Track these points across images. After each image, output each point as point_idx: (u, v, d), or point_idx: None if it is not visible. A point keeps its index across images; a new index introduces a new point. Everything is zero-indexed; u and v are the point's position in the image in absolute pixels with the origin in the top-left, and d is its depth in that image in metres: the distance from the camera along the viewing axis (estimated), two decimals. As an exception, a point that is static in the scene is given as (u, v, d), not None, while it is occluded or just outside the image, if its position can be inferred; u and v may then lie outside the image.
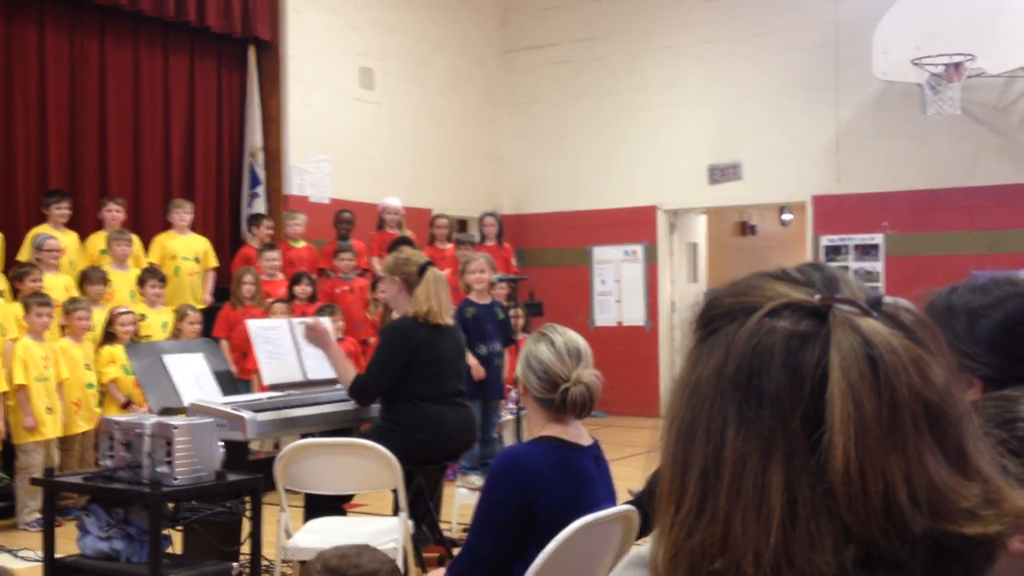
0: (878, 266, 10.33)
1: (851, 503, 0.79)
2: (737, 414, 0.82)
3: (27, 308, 6.56)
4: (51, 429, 6.56)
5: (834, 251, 10.55)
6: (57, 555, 3.98)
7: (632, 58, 11.50)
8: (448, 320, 4.81)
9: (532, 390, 2.74)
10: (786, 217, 13.67)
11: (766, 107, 10.75)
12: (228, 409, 4.51)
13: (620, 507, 2.86)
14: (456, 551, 2.94)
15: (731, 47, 10.95)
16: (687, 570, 0.83)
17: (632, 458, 8.15)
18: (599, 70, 11.67)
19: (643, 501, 3.19)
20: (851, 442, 0.79)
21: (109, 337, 7.01)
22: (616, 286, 11.60)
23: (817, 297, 0.85)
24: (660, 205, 11.42)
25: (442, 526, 5.21)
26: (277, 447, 7.21)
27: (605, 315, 11.62)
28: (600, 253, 11.68)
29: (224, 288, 8.35)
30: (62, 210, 7.57)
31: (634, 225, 11.45)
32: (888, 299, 0.88)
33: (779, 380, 0.82)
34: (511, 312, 7.57)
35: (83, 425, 6.81)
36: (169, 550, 4.00)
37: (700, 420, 0.84)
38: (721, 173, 11.08)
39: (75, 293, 7.16)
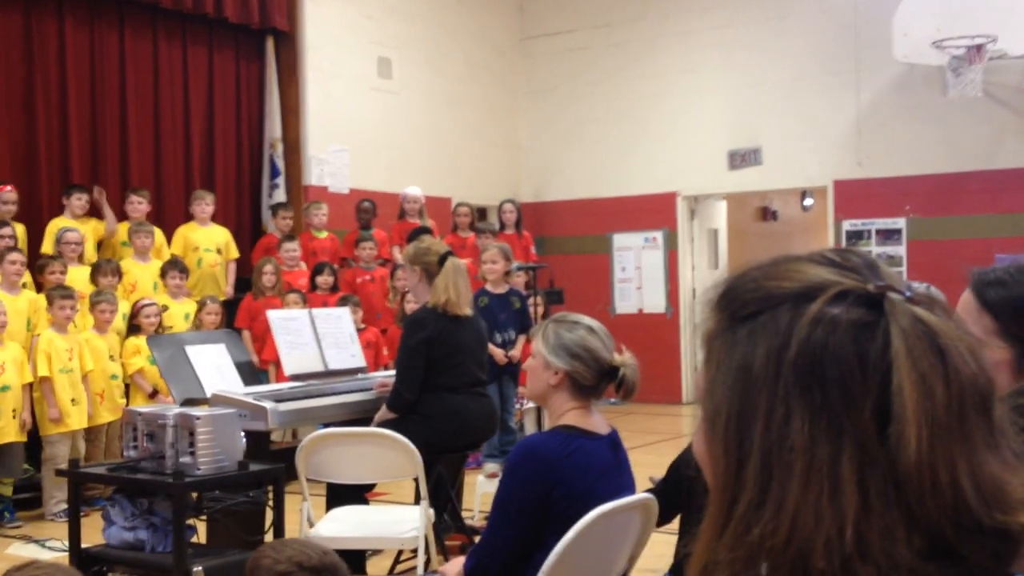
0: (901, 250, 10.27)
1: (922, 495, 0.78)
2: (803, 403, 0.80)
3: (50, 301, 6.62)
4: (76, 420, 6.62)
5: (856, 236, 10.49)
6: (83, 545, 4.03)
7: (650, 44, 11.45)
8: (467, 310, 4.81)
9: (579, 377, 2.72)
10: (807, 202, 13.59)
11: (785, 91, 10.68)
12: (250, 399, 4.54)
13: (639, 495, 2.86)
14: (477, 539, 2.96)
15: (749, 31, 10.89)
16: (744, 565, 0.80)
17: (653, 446, 8.15)
18: (617, 56, 11.63)
19: (662, 490, 3.20)
20: (923, 433, 0.78)
21: (133, 329, 7.07)
22: (636, 273, 11.57)
23: (873, 285, 0.83)
24: (680, 191, 11.38)
25: (463, 514, 5.23)
26: (295, 437, 7.26)
27: (625, 302, 11.60)
28: (620, 240, 11.65)
29: (245, 279, 8.40)
30: (81, 202, 7.64)
31: (654, 212, 11.42)
32: (917, 285, 0.87)
33: (847, 369, 0.80)
34: (531, 300, 7.56)
35: (107, 416, 6.87)
36: (193, 540, 4.03)
37: (756, 409, 0.81)
38: (741, 158, 11.03)
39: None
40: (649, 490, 3.16)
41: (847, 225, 10.57)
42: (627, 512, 2.79)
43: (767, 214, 13.58)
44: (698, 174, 11.24)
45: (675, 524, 3.40)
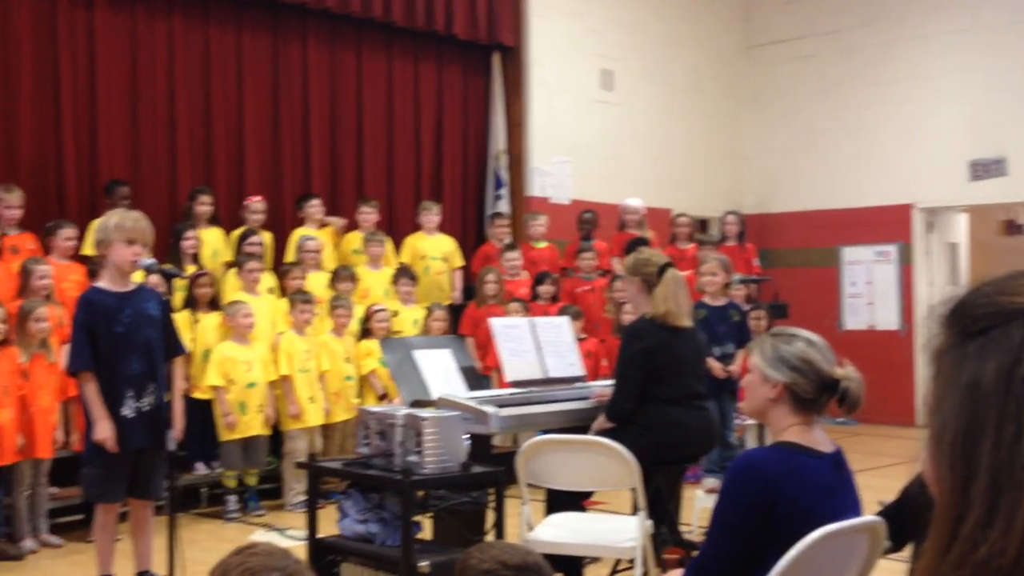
0: None
1: None
2: None
3: (292, 305, 7.08)
4: (313, 417, 7.03)
5: (1114, 251, 9.67)
6: (319, 535, 4.27)
7: (883, 49, 10.98)
8: (687, 322, 4.77)
9: (799, 390, 2.67)
10: (1058, 214, 12.62)
11: (1034, 97, 9.98)
12: (473, 404, 4.67)
13: (866, 517, 2.76)
14: (695, 554, 2.93)
15: (991, 34, 10.25)
16: None
17: (883, 469, 7.79)
18: (847, 63, 11.22)
19: (892, 514, 3.07)
20: None
21: (366, 332, 7.45)
22: (867, 288, 11.11)
23: None
24: (916, 203, 10.84)
25: (681, 528, 5.18)
26: (515, 442, 7.41)
27: (855, 318, 11.16)
28: (850, 253, 11.22)
29: (469, 287, 8.66)
30: (314, 208, 8.10)
31: (887, 224, 10.94)
32: None
33: None
34: (753, 314, 7.41)
35: (343, 415, 7.25)
36: (419, 536, 4.20)
37: (985, 425, 0.80)
38: (983, 169, 10.39)
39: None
40: (880, 513, 3.03)
41: (1104, 240, 9.75)
42: (853, 534, 2.69)
43: (1013, 228, 12.71)
44: (936, 185, 10.67)
45: (907, 552, 3.25)
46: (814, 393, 2.67)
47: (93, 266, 6.53)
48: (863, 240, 11.10)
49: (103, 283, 4.59)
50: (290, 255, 7.93)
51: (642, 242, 6.81)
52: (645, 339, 4.67)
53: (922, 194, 10.79)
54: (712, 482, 6.16)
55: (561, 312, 7.53)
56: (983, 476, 0.79)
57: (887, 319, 10.97)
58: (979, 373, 0.81)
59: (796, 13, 11.63)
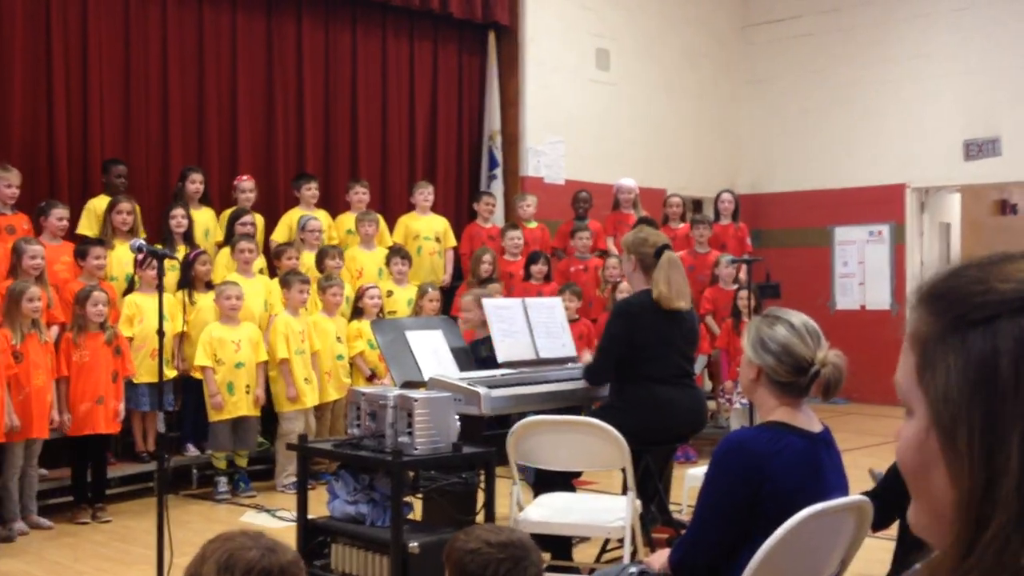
0: None
1: None
2: None
3: (288, 285, 7.04)
4: (310, 398, 7.03)
5: (1108, 231, 9.67)
6: (309, 516, 4.28)
7: (880, 29, 10.95)
8: (681, 304, 4.77)
9: (772, 373, 2.68)
10: (1053, 194, 12.62)
11: (1030, 76, 9.96)
12: (464, 384, 4.68)
13: (853, 497, 2.77)
14: (684, 532, 2.94)
15: (990, 13, 10.21)
16: None
17: (872, 448, 7.83)
18: (845, 42, 11.19)
19: (880, 493, 3.08)
20: None
21: (357, 312, 7.43)
22: (859, 268, 11.12)
23: None
24: (909, 183, 10.83)
25: (671, 507, 5.20)
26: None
27: (847, 298, 11.17)
28: (842, 233, 11.22)
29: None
30: (311, 191, 8.06)
31: (880, 204, 10.93)
32: None
33: None
34: (742, 294, 7.42)
35: (333, 394, 7.25)
36: (410, 516, 4.21)
37: (1007, 422, 0.78)
38: (978, 148, 10.38)
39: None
40: (866, 492, 3.05)
41: (1098, 220, 9.75)
42: (839, 513, 2.70)
43: (1006, 208, 12.71)
44: (930, 165, 10.66)
45: (894, 530, 3.27)
46: (788, 376, 2.68)
47: (82, 247, 6.52)
48: (856, 220, 11.10)
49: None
50: (283, 235, 7.90)
51: (648, 222, 6.71)
52: (631, 318, 4.68)
53: (916, 174, 10.79)
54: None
55: (563, 290, 7.55)
56: (1012, 476, 0.76)
57: (879, 299, 10.99)
58: (991, 366, 0.78)
59: (793, -8, 11.59)
